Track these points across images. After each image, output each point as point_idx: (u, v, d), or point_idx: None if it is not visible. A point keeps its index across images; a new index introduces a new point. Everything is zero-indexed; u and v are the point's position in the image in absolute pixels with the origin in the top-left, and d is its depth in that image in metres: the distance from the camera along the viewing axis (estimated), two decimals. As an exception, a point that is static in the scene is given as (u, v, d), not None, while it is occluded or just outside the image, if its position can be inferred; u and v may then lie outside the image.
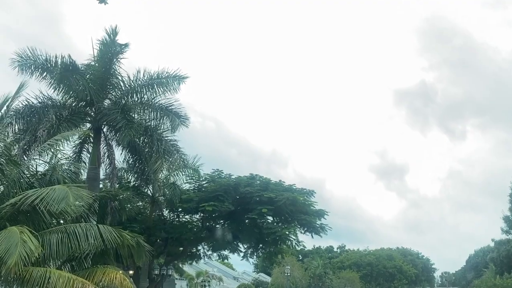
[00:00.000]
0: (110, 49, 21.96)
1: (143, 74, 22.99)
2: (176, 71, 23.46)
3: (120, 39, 21.96)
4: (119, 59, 22.30)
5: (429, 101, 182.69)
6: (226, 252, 34.84)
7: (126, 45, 21.98)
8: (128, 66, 23.76)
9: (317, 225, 31.04)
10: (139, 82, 23.15)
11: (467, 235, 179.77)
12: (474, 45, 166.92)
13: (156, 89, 23.28)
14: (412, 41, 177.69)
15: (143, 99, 23.61)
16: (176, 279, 41.16)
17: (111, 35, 21.68)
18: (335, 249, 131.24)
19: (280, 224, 31.11)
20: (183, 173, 27.48)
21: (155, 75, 23.24)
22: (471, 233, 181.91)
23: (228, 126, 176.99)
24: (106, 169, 24.15)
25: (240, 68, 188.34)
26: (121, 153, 24.76)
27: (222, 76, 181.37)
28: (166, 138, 24.08)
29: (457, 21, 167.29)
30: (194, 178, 29.74)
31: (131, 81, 23.04)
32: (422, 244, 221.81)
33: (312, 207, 30.77)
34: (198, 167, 28.46)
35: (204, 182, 30.75)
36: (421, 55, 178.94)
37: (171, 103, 23.33)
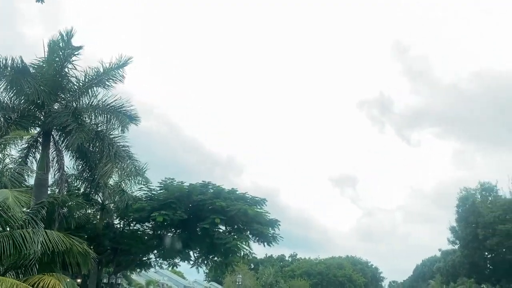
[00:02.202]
0: (63, 52, 21.51)
1: (91, 71, 22.50)
2: (120, 58, 23.07)
3: (80, 40, 21.62)
4: (72, 62, 21.86)
5: (386, 110, 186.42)
6: (176, 260, 34.47)
7: (79, 47, 21.54)
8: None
9: (270, 235, 31.24)
10: (88, 82, 22.64)
11: (418, 244, 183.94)
12: (433, 56, 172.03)
13: (106, 83, 22.82)
14: (373, 51, 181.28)
15: (93, 102, 23.14)
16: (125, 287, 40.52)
17: (65, 38, 21.24)
18: (286, 258, 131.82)
19: (232, 233, 31.10)
20: (135, 181, 27.02)
21: (101, 70, 22.80)
22: (421, 243, 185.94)
23: (185, 132, 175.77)
24: (54, 175, 23.56)
25: (200, 74, 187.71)
26: (71, 159, 24.22)
27: (182, 80, 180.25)
28: (118, 143, 23.71)
29: (415, 33, 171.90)
30: (146, 185, 29.38)
31: (80, 83, 22.55)
32: (373, 253, 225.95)
33: (264, 216, 30.96)
34: (145, 172, 28.10)
35: (156, 190, 30.49)
36: (380, 65, 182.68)
37: (121, 104, 22.97)
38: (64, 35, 21.16)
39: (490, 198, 41.03)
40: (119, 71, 22.70)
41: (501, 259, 44.67)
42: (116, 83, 22.88)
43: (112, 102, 22.75)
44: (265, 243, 31.55)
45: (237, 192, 31.25)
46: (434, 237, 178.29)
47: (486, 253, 45.56)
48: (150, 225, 31.70)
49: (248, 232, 31.24)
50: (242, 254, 32.33)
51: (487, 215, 37.78)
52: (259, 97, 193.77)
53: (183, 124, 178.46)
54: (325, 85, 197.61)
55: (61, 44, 21.18)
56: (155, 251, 33.14)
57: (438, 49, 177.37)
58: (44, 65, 21.79)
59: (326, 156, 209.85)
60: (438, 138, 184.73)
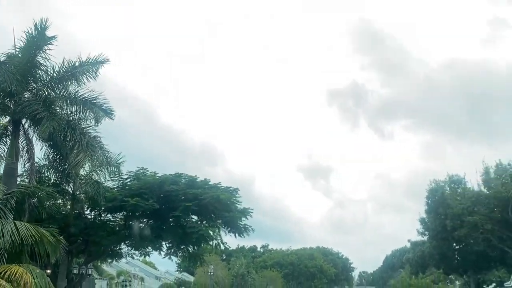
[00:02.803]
0: (36, 41, 21.22)
1: (66, 64, 22.26)
2: (97, 56, 22.91)
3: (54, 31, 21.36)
4: (45, 51, 21.56)
5: (360, 101, 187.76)
6: (148, 250, 34.34)
7: (53, 37, 21.25)
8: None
9: (241, 225, 31.36)
10: (62, 74, 22.40)
11: (388, 235, 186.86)
12: (406, 48, 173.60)
13: (80, 78, 22.60)
14: (344, 42, 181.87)
15: (65, 92, 22.87)
16: (96, 278, 40.18)
17: (39, 27, 20.94)
18: (258, 249, 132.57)
19: (204, 222, 31.12)
20: (106, 171, 26.82)
21: (77, 64, 22.56)
22: (392, 234, 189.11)
23: (158, 122, 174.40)
24: (24, 164, 23.20)
25: (175, 61, 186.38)
26: (41, 148, 23.89)
27: (155, 68, 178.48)
28: (89, 133, 23.44)
29: (389, 25, 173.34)
30: (117, 176, 29.17)
31: (54, 73, 22.28)
32: (345, 244, 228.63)
33: (236, 205, 31.06)
34: (120, 164, 27.92)
35: (128, 180, 30.30)
36: (353, 56, 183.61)
37: (95, 96, 22.73)
38: (38, 24, 20.88)
39: (458, 190, 41.76)
40: (93, 68, 22.54)
41: (469, 250, 45.68)
42: (88, 80, 22.76)
43: (85, 94, 22.54)
44: (237, 234, 31.65)
45: (210, 183, 31.27)
46: (405, 228, 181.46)
47: (455, 244, 46.51)
48: (121, 215, 31.49)
49: (220, 221, 31.30)
50: (214, 243, 32.46)
51: (455, 207, 38.50)
52: (232, 87, 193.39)
53: (156, 114, 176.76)
54: (298, 76, 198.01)
55: (34, 33, 20.89)
56: (127, 241, 32.91)
57: (411, 40, 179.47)
58: (16, 52, 21.48)
59: (298, 147, 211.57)
60: (410, 130, 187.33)
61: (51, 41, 21.33)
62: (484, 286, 61.11)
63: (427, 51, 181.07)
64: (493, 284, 58.25)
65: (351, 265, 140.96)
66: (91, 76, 22.69)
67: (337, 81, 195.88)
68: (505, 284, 53.79)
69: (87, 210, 30.97)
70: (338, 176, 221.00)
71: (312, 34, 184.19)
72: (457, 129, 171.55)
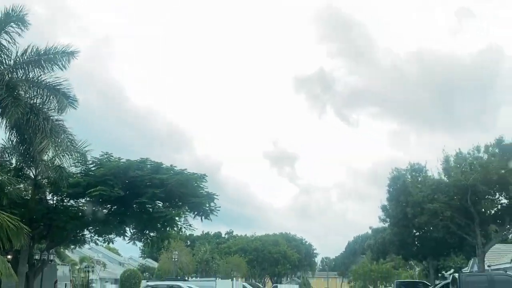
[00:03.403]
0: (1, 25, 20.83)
1: (32, 49, 21.91)
2: (66, 46, 22.58)
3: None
4: (9, 33, 21.14)
5: (327, 89, 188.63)
6: (112, 236, 34.07)
7: (21, 19, 20.88)
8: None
9: (207, 208, 31.44)
10: (26, 58, 22.02)
11: (351, 222, 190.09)
12: (374, 37, 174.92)
13: (44, 65, 22.24)
14: (312, 29, 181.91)
15: (28, 76, 22.48)
16: (58, 264, 39.72)
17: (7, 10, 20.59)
18: (223, 235, 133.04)
19: (170, 209, 31.07)
20: (70, 156, 26.46)
21: (43, 51, 22.20)
22: (355, 221, 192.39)
23: (124, 105, 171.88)
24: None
25: (142, 43, 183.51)
26: (3, 132, 23.45)
27: (124, 51, 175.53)
28: (52, 117, 23.10)
29: (358, 12, 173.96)
30: (81, 161, 28.77)
31: (17, 57, 21.87)
32: (309, 230, 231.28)
33: (202, 191, 31.10)
34: (86, 152, 27.57)
35: (92, 166, 29.91)
36: (321, 43, 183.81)
37: (59, 83, 22.40)
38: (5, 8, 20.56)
39: (419, 179, 42.61)
40: (62, 58, 22.23)
41: (428, 236, 46.86)
42: (53, 70, 22.45)
43: (49, 79, 22.21)
44: (203, 217, 31.75)
45: (176, 169, 31.16)
46: (367, 215, 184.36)
47: (415, 231, 47.58)
48: (84, 201, 31.15)
49: (186, 206, 31.35)
50: (180, 227, 32.51)
51: (416, 194, 39.30)
52: (198, 73, 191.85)
53: (123, 97, 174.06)
54: (266, 62, 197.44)
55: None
56: (90, 227, 32.62)
57: (380, 29, 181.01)
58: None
59: (265, 133, 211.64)
60: (376, 118, 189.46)
61: (19, 23, 20.98)
62: (443, 272, 62.86)
63: (395, 40, 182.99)
64: (451, 270, 59.86)
65: (314, 251, 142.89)
66: (59, 66, 22.39)
67: (305, 68, 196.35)
68: (462, 270, 55.38)
69: (49, 195, 30.53)
70: (304, 163, 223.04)
71: (280, 20, 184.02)
72: (422, 118, 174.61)
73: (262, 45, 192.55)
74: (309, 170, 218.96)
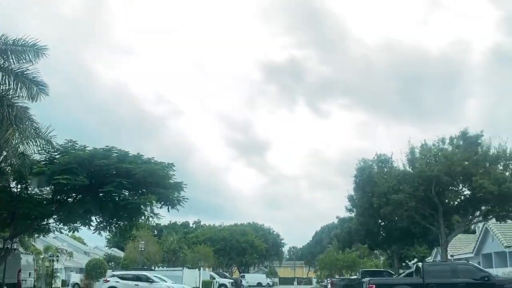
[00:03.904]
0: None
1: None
2: (35, 41, 22.10)
3: None
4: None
5: (298, 79, 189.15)
6: (77, 225, 33.60)
7: None
8: None
9: (174, 198, 31.24)
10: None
11: (319, 212, 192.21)
12: (345, 26, 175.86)
13: (10, 56, 21.71)
14: (283, 17, 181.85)
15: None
16: (22, 253, 38.98)
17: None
18: (191, 225, 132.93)
19: (136, 198, 30.76)
20: (34, 144, 25.93)
21: (10, 42, 21.67)
22: (322, 210, 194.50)
23: (89, 91, 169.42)
24: None
25: (113, 28, 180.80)
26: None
27: (94, 34, 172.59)
28: (17, 104, 22.57)
29: (329, 1, 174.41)
30: (45, 149, 28.20)
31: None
32: (277, 220, 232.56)
33: (170, 180, 30.87)
34: (50, 138, 27.01)
35: (56, 154, 29.35)
36: (292, 32, 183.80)
37: (25, 68, 21.88)
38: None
39: (385, 169, 43.17)
40: (30, 52, 21.76)
41: (393, 226, 47.68)
42: (18, 62, 21.97)
43: (13, 65, 21.72)
44: (170, 207, 31.55)
45: (143, 157, 30.80)
46: (334, 204, 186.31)
47: (380, 221, 48.28)
48: (49, 189, 30.63)
49: (154, 196, 31.07)
50: (146, 217, 32.23)
51: (382, 185, 39.83)
52: (168, 59, 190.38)
53: (89, 83, 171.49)
54: (236, 51, 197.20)
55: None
56: (54, 216, 32.11)
57: (351, 19, 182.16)
58: None
59: (235, 123, 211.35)
60: (346, 108, 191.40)
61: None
62: (407, 261, 64.15)
63: (366, 30, 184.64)
64: (415, 259, 61.22)
65: (282, 241, 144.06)
66: (26, 60, 21.92)
67: (276, 57, 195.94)
68: (426, 259, 56.60)
69: (12, 183, 29.92)
70: (274, 153, 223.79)
71: (250, 8, 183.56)
72: (390, 109, 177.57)
73: (232, 34, 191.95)
74: (278, 160, 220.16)
